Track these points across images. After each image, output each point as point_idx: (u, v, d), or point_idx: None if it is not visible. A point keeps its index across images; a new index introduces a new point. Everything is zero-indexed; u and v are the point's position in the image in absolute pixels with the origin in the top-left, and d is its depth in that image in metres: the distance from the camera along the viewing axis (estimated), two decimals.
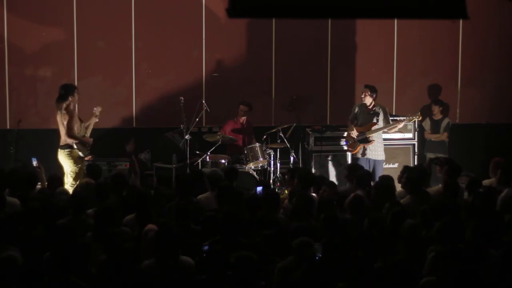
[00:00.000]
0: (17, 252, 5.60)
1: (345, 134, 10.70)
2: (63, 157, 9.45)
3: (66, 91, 9.47)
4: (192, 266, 5.62)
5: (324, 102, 12.16)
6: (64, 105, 9.37)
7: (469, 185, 7.65)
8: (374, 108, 10.27)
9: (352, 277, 5.30)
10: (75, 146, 9.41)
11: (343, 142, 10.94)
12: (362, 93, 10.32)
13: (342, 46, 12.14)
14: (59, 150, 9.49)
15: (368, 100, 10.25)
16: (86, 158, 9.60)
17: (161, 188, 7.72)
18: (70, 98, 9.42)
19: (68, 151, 9.41)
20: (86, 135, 9.63)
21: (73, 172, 9.39)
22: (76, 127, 9.45)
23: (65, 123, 9.35)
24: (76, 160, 9.43)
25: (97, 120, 9.81)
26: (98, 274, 5.45)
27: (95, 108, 9.79)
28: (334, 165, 10.97)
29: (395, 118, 10.73)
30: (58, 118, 9.46)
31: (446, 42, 12.22)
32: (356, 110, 10.38)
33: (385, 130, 10.27)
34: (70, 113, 9.40)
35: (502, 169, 7.86)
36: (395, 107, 12.14)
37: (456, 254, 5.47)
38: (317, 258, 5.41)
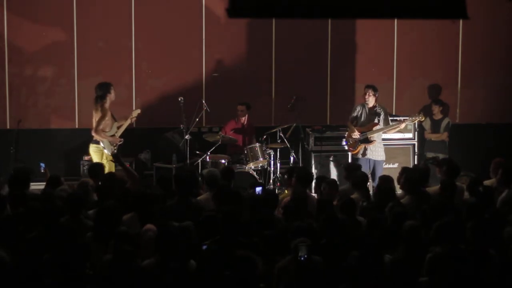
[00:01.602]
0: (5, 253, 5.58)
1: (346, 134, 10.69)
2: (91, 151, 9.76)
3: (104, 90, 9.71)
4: (192, 266, 5.63)
5: (324, 102, 12.16)
6: (101, 103, 9.63)
7: (470, 185, 7.64)
8: (375, 109, 10.25)
9: (351, 278, 5.30)
10: (101, 144, 9.63)
11: (343, 142, 10.93)
12: (365, 94, 10.27)
13: (342, 46, 12.14)
14: (90, 144, 9.77)
15: (372, 100, 10.21)
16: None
17: (156, 188, 7.70)
18: (107, 97, 9.66)
19: (95, 146, 9.69)
20: (116, 134, 9.79)
21: None
22: (108, 126, 9.67)
23: (97, 119, 9.60)
24: (102, 156, 9.63)
25: (131, 122, 9.97)
26: (100, 274, 5.44)
27: (134, 111, 10.00)
28: (335, 165, 10.96)
29: (396, 118, 10.72)
30: (94, 115, 9.70)
31: (446, 42, 12.22)
32: (358, 110, 10.34)
33: (386, 130, 10.25)
34: (104, 111, 9.64)
35: (503, 170, 7.85)
36: (395, 107, 12.15)
37: (456, 254, 5.46)
38: (302, 259, 5.40)
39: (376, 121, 10.20)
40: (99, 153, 9.67)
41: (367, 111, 10.26)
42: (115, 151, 9.61)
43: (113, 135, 9.76)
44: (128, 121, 9.93)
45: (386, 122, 10.23)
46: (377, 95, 10.25)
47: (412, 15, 4.64)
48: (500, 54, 12.25)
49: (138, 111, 10.09)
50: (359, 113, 10.31)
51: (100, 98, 9.67)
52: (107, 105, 9.68)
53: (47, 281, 5.27)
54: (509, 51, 12.25)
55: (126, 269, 5.31)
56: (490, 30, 12.18)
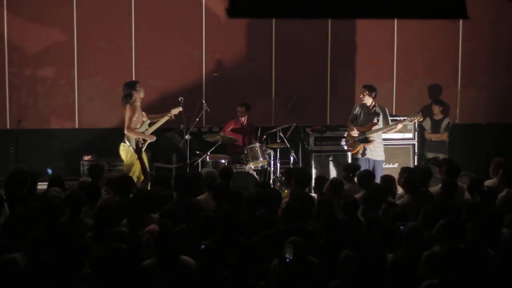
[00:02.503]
0: (20, 256, 5.58)
1: (346, 134, 10.69)
2: (120, 150, 9.60)
3: (129, 89, 9.57)
4: (192, 266, 5.62)
5: (324, 102, 12.16)
6: (130, 102, 9.50)
7: (470, 186, 7.64)
8: (374, 108, 10.25)
9: (350, 278, 5.29)
10: (127, 143, 9.48)
11: (343, 142, 10.93)
12: (361, 94, 10.29)
13: (342, 46, 12.14)
14: (120, 143, 9.63)
15: (368, 100, 10.22)
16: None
17: (157, 188, 7.71)
18: (134, 95, 9.52)
19: (123, 145, 9.54)
20: (146, 132, 9.66)
21: (125, 165, 9.50)
22: (138, 124, 9.54)
23: (127, 117, 9.48)
24: (128, 154, 9.48)
25: (169, 119, 9.84)
26: (97, 273, 5.44)
27: (174, 108, 9.84)
28: (334, 165, 10.96)
29: (395, 118, 10.72)
30: (125, 114, 9.58)
31: (446, 42, 12.22)
32: (357, 110, 10.36)
33: (385, 130, 10.25)
34: (133, 108, 9.50)
35: (503, 170, 7.85)
36: (395, 107, 12.14)
37: (456, 254, 5.46)
38: (287, 260, 5.40)
39: (375, 121, 10.20)
40: (126, 151, 9.52)
41: (366, 111, 10.27)
42: (142, 147, 9.51)
43: (142, 132, 9.63)
44: (165, 119, 9.79)
45: (386, 122, 10.23)
46: (373, 95, 10.22)
47: (412, 15, 4.64)
48: (501, 54, 12.25)
49: (180, 108, 9.92)
50: (358, 113, 10.32)
51: (126, 97, 9.53)
52: (136, 103, 9.52)
53: (47, 281, 5.27)
54: (510, 51, 12.24)
55: (122, 268, 5.28)
56: (490, 30, 12.18)
